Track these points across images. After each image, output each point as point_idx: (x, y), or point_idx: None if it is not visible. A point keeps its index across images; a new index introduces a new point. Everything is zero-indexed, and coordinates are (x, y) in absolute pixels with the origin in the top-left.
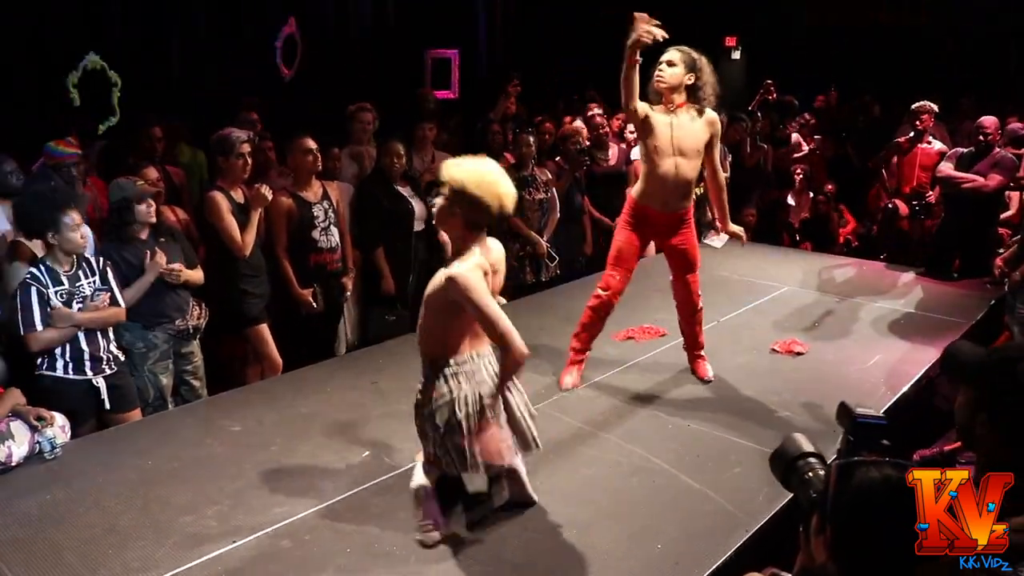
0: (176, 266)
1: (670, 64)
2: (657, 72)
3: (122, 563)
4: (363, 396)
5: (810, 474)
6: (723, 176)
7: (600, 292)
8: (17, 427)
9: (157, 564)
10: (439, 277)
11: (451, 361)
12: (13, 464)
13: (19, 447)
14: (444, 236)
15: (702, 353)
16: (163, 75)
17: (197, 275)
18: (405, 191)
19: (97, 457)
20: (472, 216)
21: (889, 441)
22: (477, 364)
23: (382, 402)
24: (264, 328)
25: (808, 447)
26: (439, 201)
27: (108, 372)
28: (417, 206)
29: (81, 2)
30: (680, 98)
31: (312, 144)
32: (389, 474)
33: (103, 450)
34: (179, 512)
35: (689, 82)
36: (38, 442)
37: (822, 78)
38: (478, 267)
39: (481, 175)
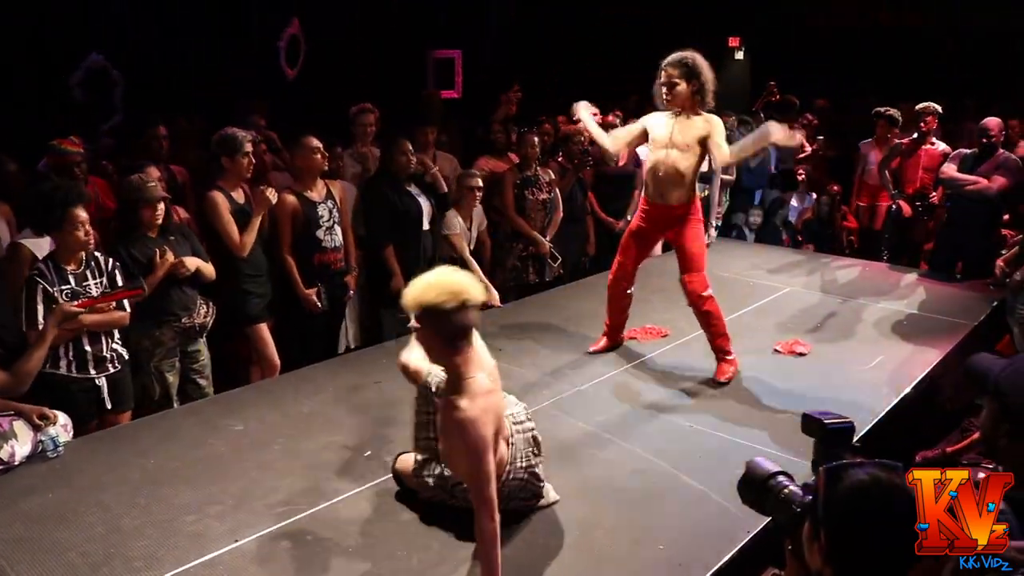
0: (182, 259)
1: (673, 85)
2: (665, 96)
3: (124, 562)
4: (366, 396)
5: (786, 491)
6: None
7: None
8: (19, 426)
9: (159, 563)
10: (450, 414)
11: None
12: (16, 463)
13: (22, 446)
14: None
15: (721, 356)
16: (165, 75)
17: (208, 268)
18: (412, 189)
19: (99, 456)
20: (445, 327)
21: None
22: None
23: (385, 403)
24: (264, 328)
25: (774, 467)
26: (415, 336)
27: (111, 371)
28: (425, 204)
29: (81, 2)
30: (688, 103)
31: (319, 143)
32: (391, 475)
33: (105, 449)
34: (181, 511)
35: (694, 89)
36: (40, 441)
37: (822, 79)
38: (485, 410)
39: (425, 283)
